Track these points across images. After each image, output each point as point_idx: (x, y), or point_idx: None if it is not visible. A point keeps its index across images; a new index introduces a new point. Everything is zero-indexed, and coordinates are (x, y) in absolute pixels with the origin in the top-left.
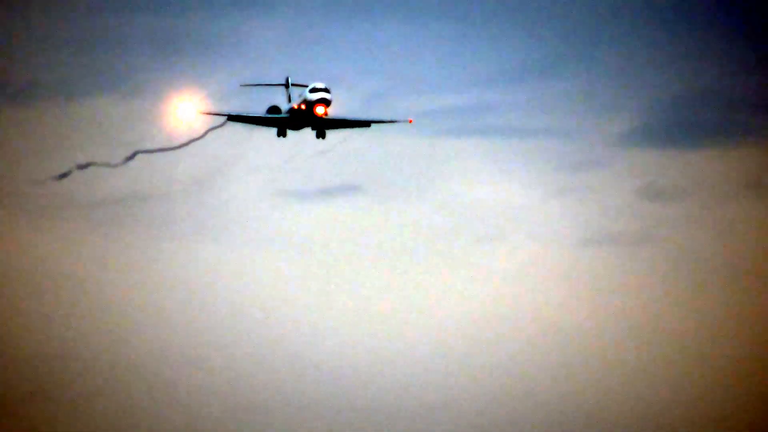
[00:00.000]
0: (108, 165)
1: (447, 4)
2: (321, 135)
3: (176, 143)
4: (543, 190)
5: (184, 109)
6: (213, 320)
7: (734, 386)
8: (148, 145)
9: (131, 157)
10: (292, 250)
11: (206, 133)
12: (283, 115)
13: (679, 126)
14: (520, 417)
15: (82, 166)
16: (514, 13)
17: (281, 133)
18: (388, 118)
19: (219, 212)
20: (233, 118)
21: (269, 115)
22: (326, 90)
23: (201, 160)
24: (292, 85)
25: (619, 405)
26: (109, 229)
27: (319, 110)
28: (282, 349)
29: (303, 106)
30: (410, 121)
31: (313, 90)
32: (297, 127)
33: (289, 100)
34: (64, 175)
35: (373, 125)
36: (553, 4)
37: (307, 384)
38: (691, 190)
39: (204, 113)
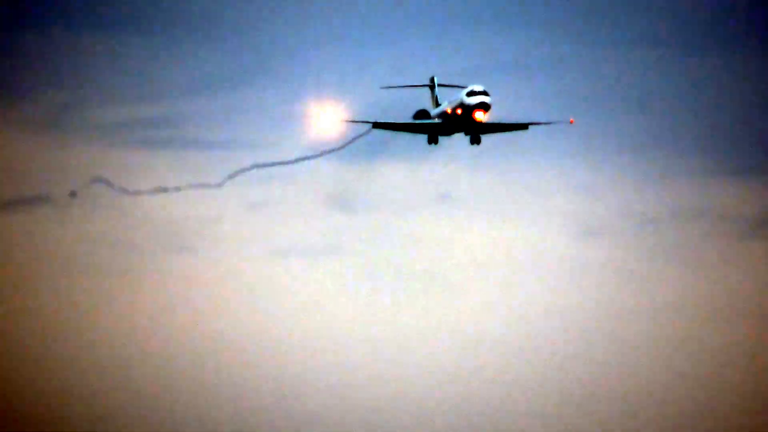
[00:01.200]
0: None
1: (139, 13)
2: (476, 141)
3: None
4: (236, 202)
5: (327, 118)
6: None
7: (438, 390)
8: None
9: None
10: None
11: (351, 141)
12: (435, 121)
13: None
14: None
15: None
16: (206, 23)
17: (432, 140)
18: (546, 120)
19: None
20: (379, 125)
21: (420, 121)
22: (486, 93)
23: None
24: (439, 85)
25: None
26: None
27: (479, 115)
28: None
29: (459, 111)
30: (572, 122)
31: (471, 93)
32: (449, 132)
33: (436, 103)
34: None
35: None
36: (239, 16)
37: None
38: (379, 202)
39: (347, 121)
